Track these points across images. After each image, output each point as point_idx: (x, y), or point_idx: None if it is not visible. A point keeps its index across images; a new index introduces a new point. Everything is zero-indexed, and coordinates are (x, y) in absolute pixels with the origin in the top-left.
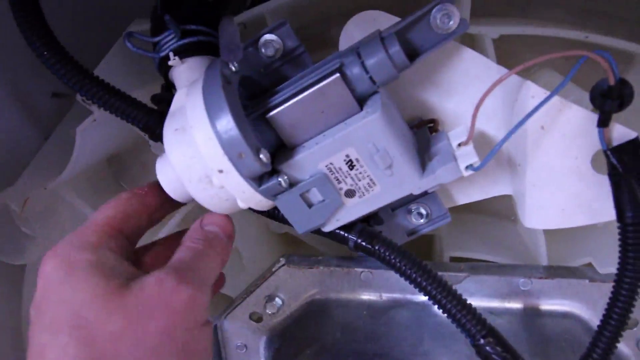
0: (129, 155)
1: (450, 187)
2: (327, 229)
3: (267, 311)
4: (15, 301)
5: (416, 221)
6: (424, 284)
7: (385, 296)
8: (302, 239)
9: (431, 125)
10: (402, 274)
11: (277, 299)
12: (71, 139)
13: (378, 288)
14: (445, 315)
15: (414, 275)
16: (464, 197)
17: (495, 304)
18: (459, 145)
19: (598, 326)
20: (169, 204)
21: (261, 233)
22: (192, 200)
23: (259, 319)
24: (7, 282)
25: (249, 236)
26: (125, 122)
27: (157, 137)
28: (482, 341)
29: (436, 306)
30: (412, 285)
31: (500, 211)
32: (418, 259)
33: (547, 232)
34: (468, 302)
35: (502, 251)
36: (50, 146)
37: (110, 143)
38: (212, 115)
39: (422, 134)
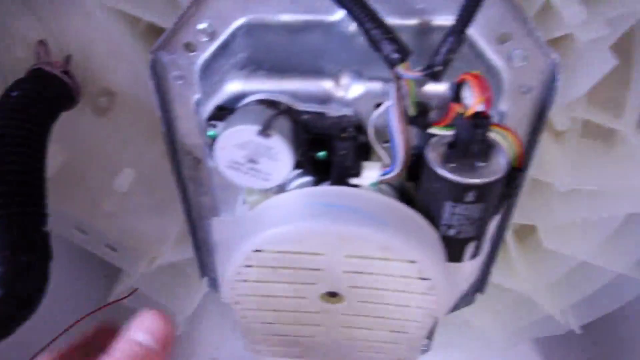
0: None
1: None
2: None
3: (200, 39)
4: None
5: None
6: None
7: (302, 18)
8: None
9: None
10: None
11: (207, 27)
12: None
13: (296, 10)
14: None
15: None
16: None
17: (393, 21)
18: None
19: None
20: None
21: None
22: None
23: (193, 48)
24: None
25: None
26: None
27: None
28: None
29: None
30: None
31: None
32: None
33: None
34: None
35: None
36: None
37: None
38: None
39: None
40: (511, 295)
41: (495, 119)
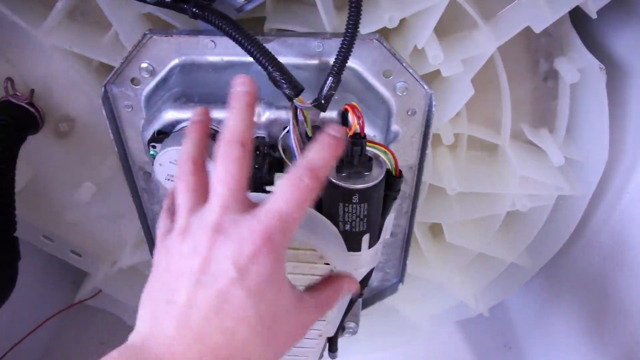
0: None
1: None
2: None
3: (143, 75)
4: None
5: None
6: (244, 42)
7: (226, 59)
8: (163, 19)
9: None
10: (227, 34)
11: (148, 65)
12: None
13: (220, 53)
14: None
15: (237, 36)
16: None
17: (299, 61)
18: None
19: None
20: None
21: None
22: None
23: (137, 83)
24: None
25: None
26: None
27: None
28: (270, 68)
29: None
30: (238, 45)
31: None
32: (239, 25)
33: None
34: (276, 57)
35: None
36: None
37: None
38: None
39: None
40: (429, 284)
41: (391, 136)
